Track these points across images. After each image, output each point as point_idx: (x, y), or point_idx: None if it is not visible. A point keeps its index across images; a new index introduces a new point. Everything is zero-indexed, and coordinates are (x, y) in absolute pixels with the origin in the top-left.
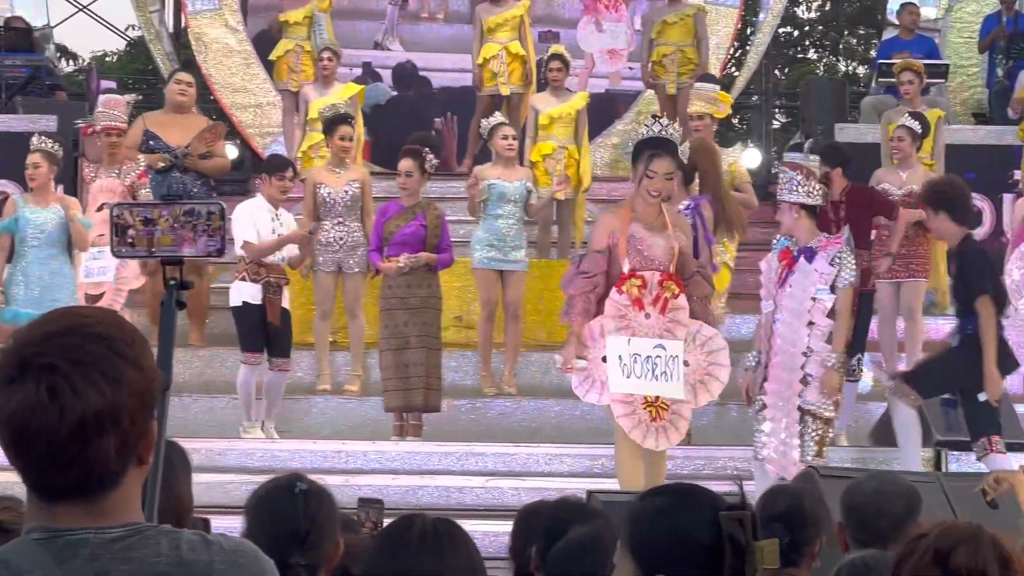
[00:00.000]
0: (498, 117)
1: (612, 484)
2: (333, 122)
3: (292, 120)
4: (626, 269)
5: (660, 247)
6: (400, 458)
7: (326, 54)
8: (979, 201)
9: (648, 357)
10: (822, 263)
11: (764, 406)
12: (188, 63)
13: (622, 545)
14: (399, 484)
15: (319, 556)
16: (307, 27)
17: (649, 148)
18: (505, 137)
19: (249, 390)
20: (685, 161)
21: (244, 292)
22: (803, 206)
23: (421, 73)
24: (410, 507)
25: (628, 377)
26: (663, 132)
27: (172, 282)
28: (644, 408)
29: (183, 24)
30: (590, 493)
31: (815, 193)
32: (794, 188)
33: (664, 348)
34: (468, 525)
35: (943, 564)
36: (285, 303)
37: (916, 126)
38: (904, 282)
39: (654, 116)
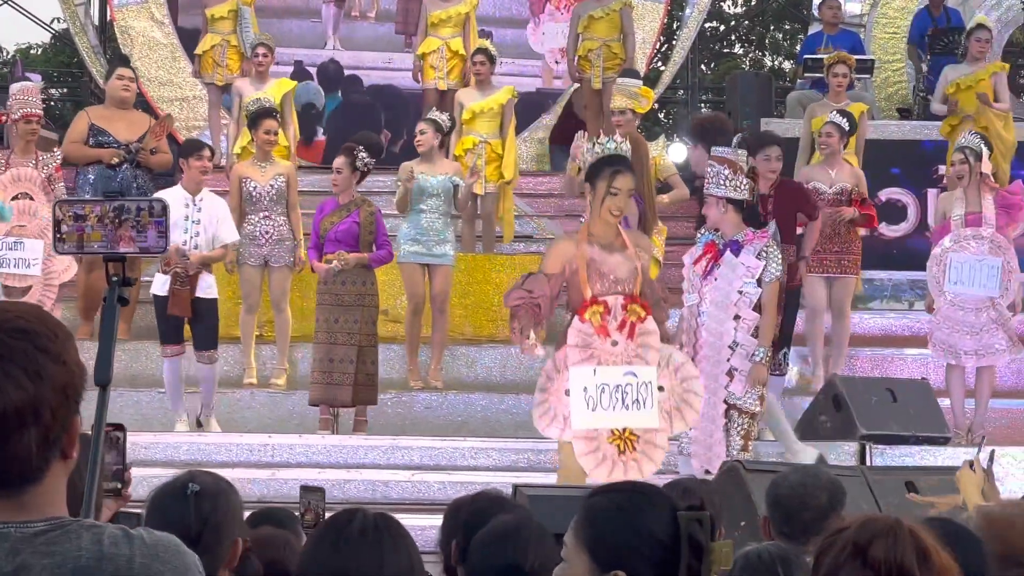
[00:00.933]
0: (431, 113)
1: (538, 478)
2: (258, 116)
3: (218, 114)
4: (588, 296)
5: (623, 267)
6: (326, 451)
7: (261, 49)
8: (903, 196)
9: (618, 386)
10: (749, 257)
11: None
12: (121, 57)
13: (576, 541)
14: (325, 478)
15: (216, 558)
16: (232, 21)
17: (609, 165)
18: (415, 133)
19: (173, 382)
20: None
21: (157, 283)
22: (730, 200)
23: (349, 72)
24: (337, 501)
25: (593, 410)
26: (618, 149)
27: (115, 278)
28: (610, 442)
29: (109, 17)
30: (516, 487)
31: (742, 187)
32: (722, 182)
33: (635, 375)
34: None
35: (861, 557)
36: (205, 292)
37: (844, 123)
38: (835, 278)
39: (605, 134)
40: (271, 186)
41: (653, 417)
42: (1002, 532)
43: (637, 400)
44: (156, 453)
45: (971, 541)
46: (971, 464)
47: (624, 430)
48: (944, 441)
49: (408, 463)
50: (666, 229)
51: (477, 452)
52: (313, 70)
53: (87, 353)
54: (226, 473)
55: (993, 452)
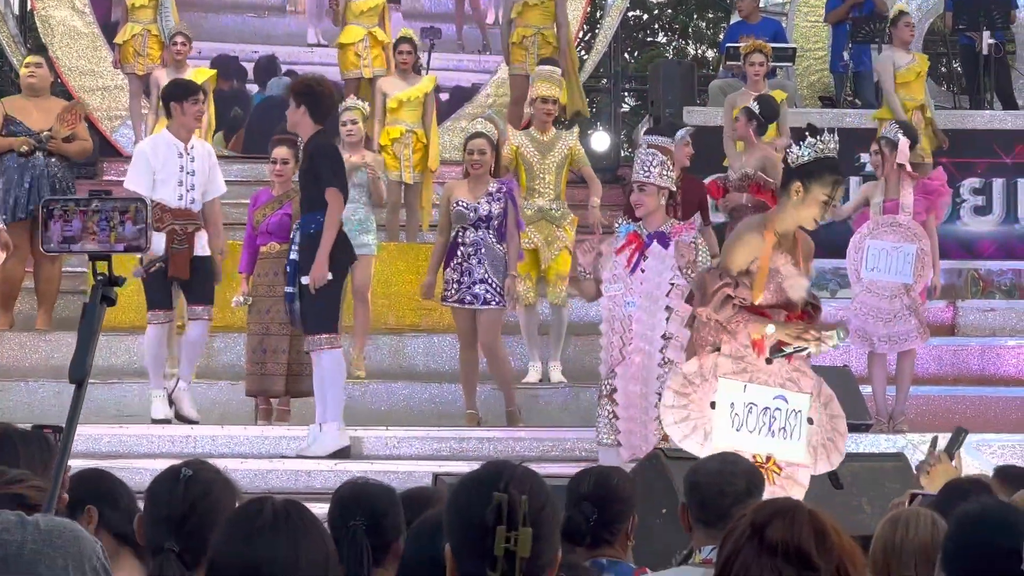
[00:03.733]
0: (348, 102)
1: (460, 467)
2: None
3: (139, 103)
4: (757, 302)
5: (800, 287)
6: (249, 442)
7: (179, 39)
8: None
9: (766, 408)
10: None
11: (614, 390)
12: (38, 46)
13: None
14: (248, 468)
15: (202, 543)
16: (153, 10)
17: (832, 172)
18: (345, 123)
19: (157, 354)
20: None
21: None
22: (666, 190)
23: (285, 67)
24: (259, 491)
25: (738, 429)
26: (836, 150)
27: (100, 277)
28: None
29: (29, 6)
30: (436, 476)
31: (672, 177)
32: (666, 172)
33: (785, 400)
34: (316, 508)
35: (759, 538)
36: (202, 250)
37: (755, 107)
38: None
39: (829, 129)
40: None
41: (800, 450)
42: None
43: (784, 428)
44: (78, 445)
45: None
46: (934, 449)
47: (768, 459)
48: (866, 428)
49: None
50: (577, 219)
51: (399, 441)
52: (249, 66)
53: (5, 343)
54: (146, 464)
55: (964, 434)
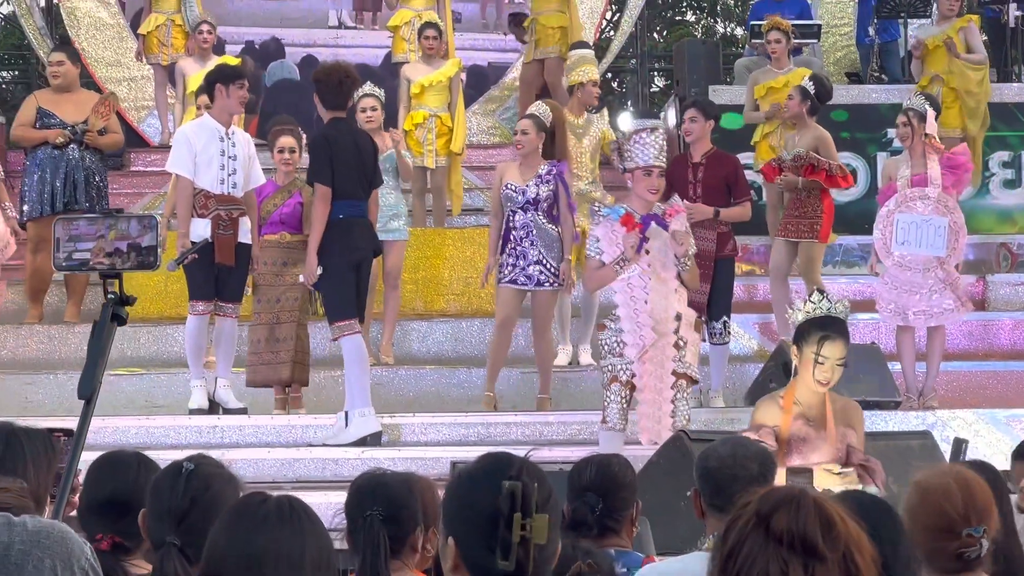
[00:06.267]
0: (365, 88)
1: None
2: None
3: (164, 93)
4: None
5: (825, 453)
6: (275, 431)
7: (205, 27)
8: (853, 160)
9: None
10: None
11: (633, 375)
12: (64, 38)
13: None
14: (275, 457)
15: (202, 538)
16: (177, 1)
17: (819, 329)
18: (364, 109)
19: (198, 345)
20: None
21: (196, 229)
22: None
23: (308, 50)
24: (287, 480)
25: None
26: (832, 310)
27: (111, 296)
28: None
29: None
30: (454, 464)
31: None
32: (668, 155)
33: None
34: (344, 496)
35: (764, 527)
36: (244, 237)
37: (810, 86)
38: (801, 242)
39: (819, 291)
40: None
41: None
42: (938, 501)
43: None
44: (105, 438)
45: (884, 511)
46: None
47: None
48: (895, 406)
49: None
50: (615, 200)
51: (426, 427)
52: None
53: (35, 336)
54: (175, 455)
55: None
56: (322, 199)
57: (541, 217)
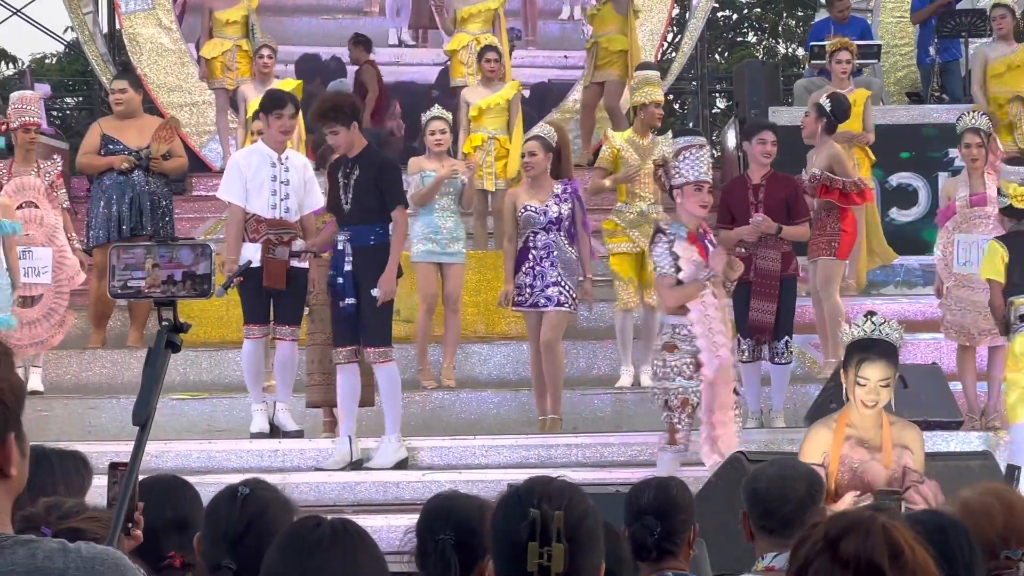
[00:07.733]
0: (433, 111)
1: (548, 475)
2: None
3: (226, 118)
4: (832, 489)
5: (876, 472)
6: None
7: (265, 51)
8: (914, 180)
9: None
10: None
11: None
12: (126, 65)
13: None
14: (336, 480)
15: (259, 561)
16: (243, 26)
17: (859, 351)
18: (433, 132)
19: (256, 369)
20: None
21: (246, 252)
22: None
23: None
24: (347, 503)
25: None
26: (876, 332)
27: (165, 323)
28: None
29: (117, 25)
30: (509, 486)
31: None
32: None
33: None
34: (406, 520)
35: (832, 551)
36: (300, 262)
37: (827, 105)
38: (818, 260)
39: (870, 312)
40: None
41: None
42: (978, 520)
43: None
44: (167, 461)
45: (960, 534)
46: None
47: None
48: (957, 426)
49: (419, 463)
50: None
51: (488, 450)
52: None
53: (98, 361)
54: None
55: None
56: (407, 221)
57: (563, 238)
